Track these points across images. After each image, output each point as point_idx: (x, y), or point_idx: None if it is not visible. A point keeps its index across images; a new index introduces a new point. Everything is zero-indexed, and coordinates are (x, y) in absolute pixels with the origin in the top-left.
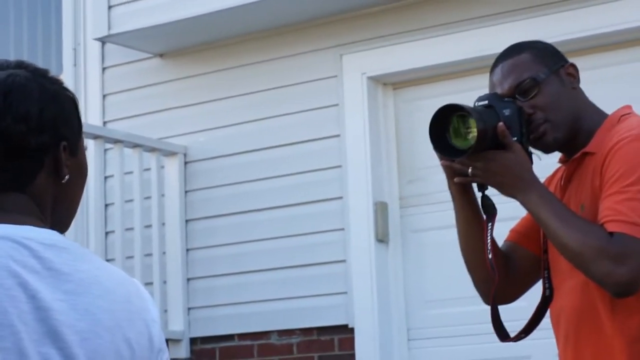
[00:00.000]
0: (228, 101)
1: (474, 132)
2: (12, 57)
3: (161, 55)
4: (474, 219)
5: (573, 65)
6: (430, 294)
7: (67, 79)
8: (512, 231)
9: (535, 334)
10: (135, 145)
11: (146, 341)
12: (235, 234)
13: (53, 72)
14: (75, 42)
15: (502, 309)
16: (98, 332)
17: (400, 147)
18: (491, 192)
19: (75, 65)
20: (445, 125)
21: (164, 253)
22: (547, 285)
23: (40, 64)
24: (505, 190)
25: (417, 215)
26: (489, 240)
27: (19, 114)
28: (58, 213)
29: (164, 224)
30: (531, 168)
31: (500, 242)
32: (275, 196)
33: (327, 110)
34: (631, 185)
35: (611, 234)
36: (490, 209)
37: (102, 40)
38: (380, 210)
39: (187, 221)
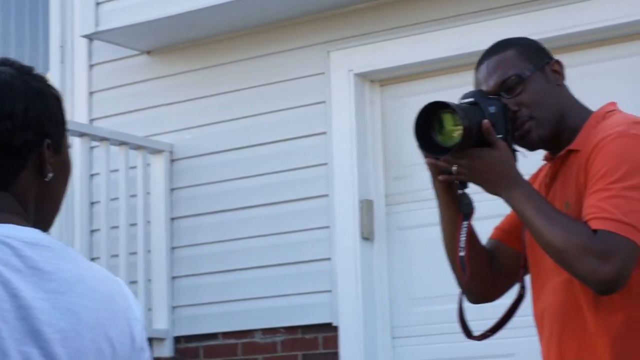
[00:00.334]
0: (214, 99)
1: (459, 130)
2: None
3: (148, 53)
4: (457, 218)
5: (558, 62)
6: (415, 292)
7: (54, 77)
8: (496, 229)
9: (519, 331)
10: (121, 143)
11: (128, 340)
12: (220, 232)
13: (40, 70)
14: (63, 40)
15: (483, 307)
16: (80, 331)
17: (386, 144)
18: (475, 189)
19: (62, 62)
20: (430, 123)
21: (149, 251)
22: (522, 284)
23: (27, 61)
24: (489, 188)
25: (403, 213)
26: (462, 239)
27: (4, 111)
28: (41, 211)
29: (149, 222)
30: (516, 165)
31: (484, 240)
32: (261, 194)
33: (314, 107)
34: (615, 183)
35: (595, 231)
36: (467, 208)
37: (89, 38)
38: (366, 207)
39: (172, 219)
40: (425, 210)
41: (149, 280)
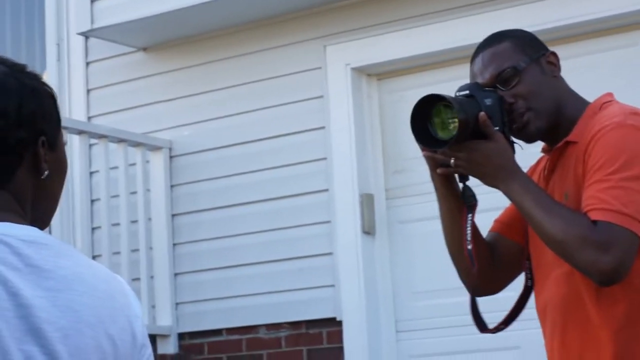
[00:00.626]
0: (212, 94)
1: (455, 122)
2: None
3: (145, 49)
4: (457, 210)
5: (554, 54)
6: (417, 286)
7: (51, 75)
8: (496, 221)
9: (524, 324)
10: (120, 140)
11: (129, 337)
12: (221, 228)
13: (37, 68)
14: (59, 37)
15: (488, 299)
16: (80, 328)
17: (385, 138)
18: (474, 182)
19: (59, 60)
20: (426, 116)
21: (151, 248)
22: (528, 275)
23: (23, 59)
24: (487, 180)
25: (403, 207)
26: (468, 231)
27: None
28: (38, 209)
29: (150, 219)
30: (513, 157)
31: (484, 233)
32: (261, 189)
33: (312, 102)
34: (614, 173)
35: (595, 222)
36: (470, 200)
37: (86, 35)
38: (367, 202)
39: (173, 216)
40: (426, 204)
41: (152, 277)
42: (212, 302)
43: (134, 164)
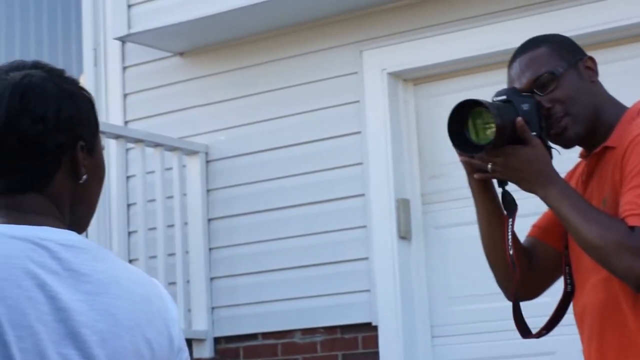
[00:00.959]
0: (248, 99)
1: (492, 128)
2: (33, 58)
3: (181, 54)
4: (494, 215)
5: (591, 59)
6: (453, 291)
7: (88, 79)
8: (534, 227)
9: (559, 330)
10: (156, 145)
11: (166, 341)
12: (257, 232)
13: (74, 73)
14: (96, 42)
15: (524, 305)
16: (118, 332)
17: (421, 143)
18: (512, 187)
19: (95, 65)
20: (463, 121)
21: (187, 252)
22: (568, 281)
23: (60, 64)
24: (525, 186)
25: (439, 212)
26: (509, 237)
27: (36, 114)
28: (76, 213)
29: (186, 223)
30: (551, 163)
31: (522, 238)
32: (297, 194)
33: (348, 107)
34: None
35: (632, 228)
36: (510, 205)
37: (122, 40)
38: (402, 207)
39: (209, 220)
40: (462, 209)
41: (188, 282)
42: (248, 307)
43: (170, 169)
